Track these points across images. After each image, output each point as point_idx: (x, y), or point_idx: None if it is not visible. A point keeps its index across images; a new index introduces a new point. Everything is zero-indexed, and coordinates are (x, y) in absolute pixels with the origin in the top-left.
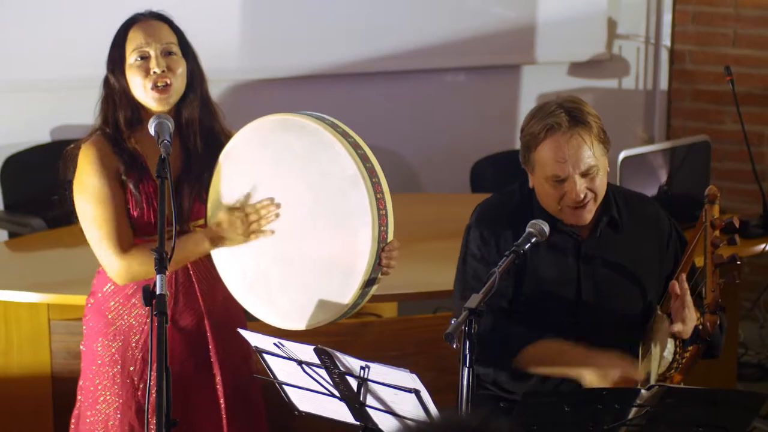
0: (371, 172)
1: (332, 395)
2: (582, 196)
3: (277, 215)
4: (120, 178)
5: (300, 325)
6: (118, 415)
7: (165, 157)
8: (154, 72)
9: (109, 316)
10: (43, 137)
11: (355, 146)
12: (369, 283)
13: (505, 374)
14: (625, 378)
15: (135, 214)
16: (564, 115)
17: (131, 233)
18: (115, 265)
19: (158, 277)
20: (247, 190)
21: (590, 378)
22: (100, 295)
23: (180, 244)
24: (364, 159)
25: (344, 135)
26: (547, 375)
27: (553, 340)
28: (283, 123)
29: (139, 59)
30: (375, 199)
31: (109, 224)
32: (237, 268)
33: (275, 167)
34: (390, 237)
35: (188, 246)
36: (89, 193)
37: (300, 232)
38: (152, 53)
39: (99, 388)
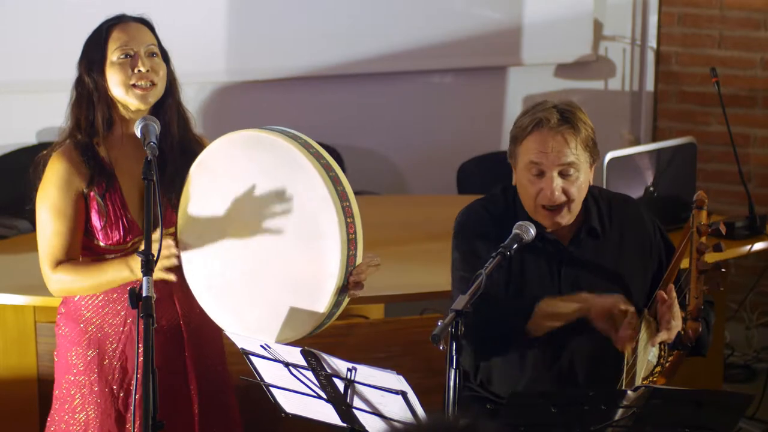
0: (342, 195)
1: (319, 397)
2: (556, 194)
3: (173, 257)
4: (82, 194)
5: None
6: (97, 424)
7: (151, 159)
8: (139, 71)
9: (82, 325)
10: (29, 139)
11: (327, 168)
12: (336, 305)
13: (514, 342)
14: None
15: (100, 225)
16: (556, 113)
17: (72, 251)
18: (47, 280)
19: (144, 279)
20: (218, 203)
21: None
22: (71, 304)
23: (101, 270)
24: (335, 182)
25: (317, 156)
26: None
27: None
28: (255, 139)
29: (123, 57)
30: (345, 223)
31: (56, 238)
32: (202, 274)
33: (246, 183)
34: (359, 260)
35: (108, 272)
36: (47, 204)
37: (268, 250)
38: (138, 52)
39: (76, 397)
